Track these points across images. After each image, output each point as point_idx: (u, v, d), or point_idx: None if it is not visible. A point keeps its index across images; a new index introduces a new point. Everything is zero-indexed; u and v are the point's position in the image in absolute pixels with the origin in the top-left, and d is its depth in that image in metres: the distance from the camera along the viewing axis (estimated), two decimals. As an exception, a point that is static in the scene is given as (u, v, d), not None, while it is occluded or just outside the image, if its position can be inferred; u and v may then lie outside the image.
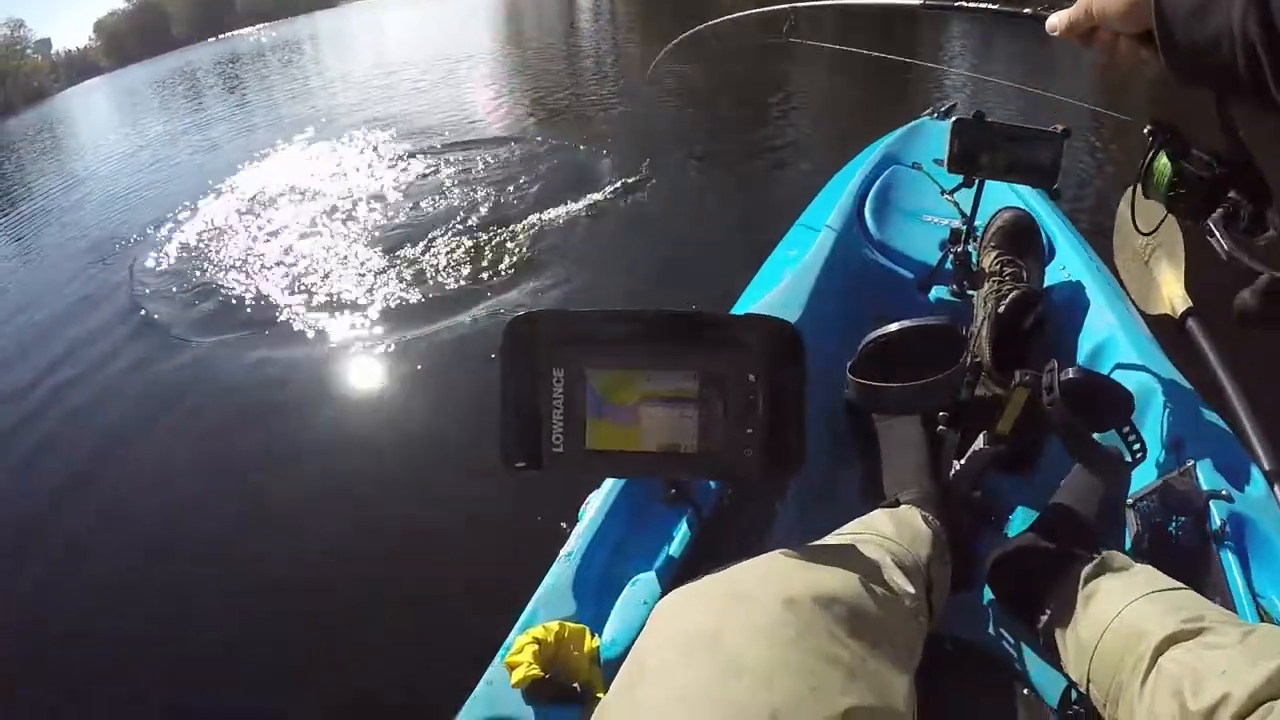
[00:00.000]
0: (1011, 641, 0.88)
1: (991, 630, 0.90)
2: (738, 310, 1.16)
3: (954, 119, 1.11)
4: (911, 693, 0.54)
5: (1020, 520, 1.02)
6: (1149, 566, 0.76)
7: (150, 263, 4.10)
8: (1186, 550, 0.83)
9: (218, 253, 3.99)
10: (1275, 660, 0.53)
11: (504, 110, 6.14)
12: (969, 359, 0.86)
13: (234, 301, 3.40)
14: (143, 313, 3.52)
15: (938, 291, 1.28)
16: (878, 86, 4.99)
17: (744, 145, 4.41)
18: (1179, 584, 0.71)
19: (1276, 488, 0.84)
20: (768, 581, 0.55)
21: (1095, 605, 0.73)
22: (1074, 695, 0.77)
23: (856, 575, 0.59)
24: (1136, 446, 0.85)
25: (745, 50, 5.13)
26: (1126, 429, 0.85)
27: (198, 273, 3.79)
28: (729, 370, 0.72)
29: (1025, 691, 0.82)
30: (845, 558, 0.67)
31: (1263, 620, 0.71)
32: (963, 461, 0.95)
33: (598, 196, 3.81)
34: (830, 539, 0.76)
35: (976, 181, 1.18)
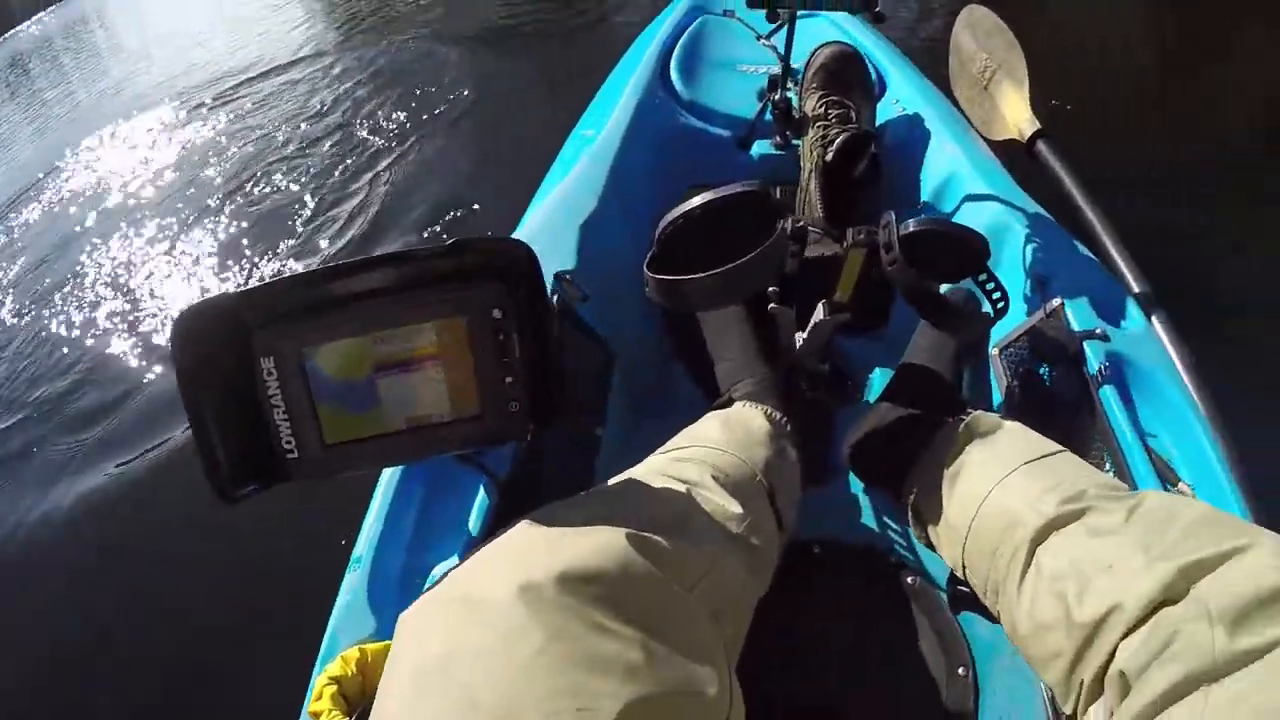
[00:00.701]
0: (897, 530, 0.79)
1: (869, 520, 0.81)
2: (528, 218, 0.99)
3: None
4: (724, 673, 0.42)
5: (881, 384, 0.92)
6: (1019, 426, 0.67)
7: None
8: (1064, 399, 0.74)
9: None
10: (1166, 559, 0.44)
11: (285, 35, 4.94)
12: (789, 225, 0.72)
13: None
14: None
15: (760, 147, 1.14)
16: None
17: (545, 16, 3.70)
18: (1055, 446, 0.62)
19: (1155, 319, 0.75)
20: (498, 572, 0.41)
21: (963, 483, 0.64)
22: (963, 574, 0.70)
23: (625, 530, 0.44)
24: (997, 295, 0.74)
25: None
26: (984, 276, 0.74)
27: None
28: (469, 312, 0.56)
29: (910, 580, 0.74)
30: (619, 503, 0.53)
31: (1154, 464, 0.63)
32: (805, 335, 0.84)
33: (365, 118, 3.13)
34: (636, 470, 0.63)
35: (789, 18, 1.05)
